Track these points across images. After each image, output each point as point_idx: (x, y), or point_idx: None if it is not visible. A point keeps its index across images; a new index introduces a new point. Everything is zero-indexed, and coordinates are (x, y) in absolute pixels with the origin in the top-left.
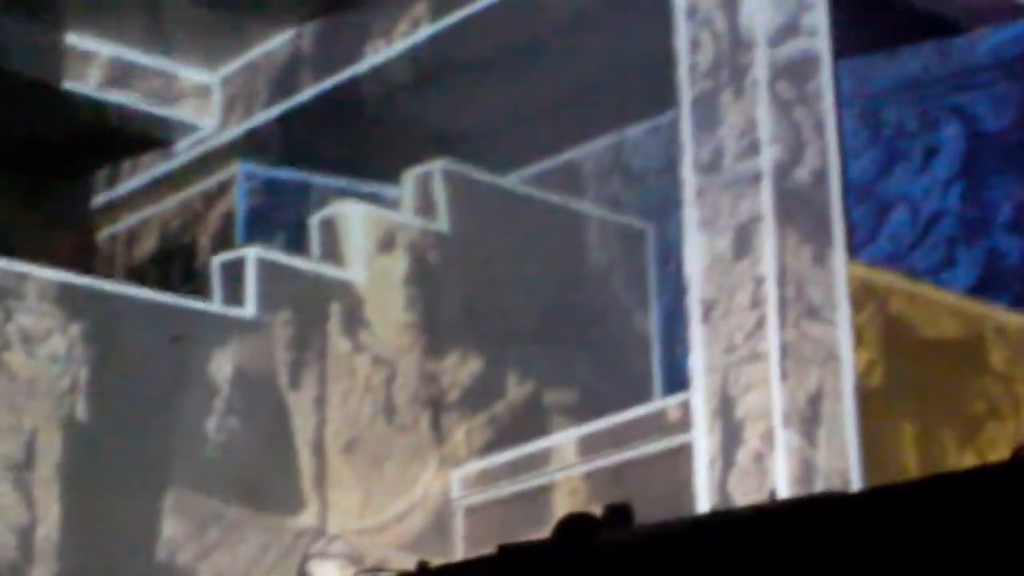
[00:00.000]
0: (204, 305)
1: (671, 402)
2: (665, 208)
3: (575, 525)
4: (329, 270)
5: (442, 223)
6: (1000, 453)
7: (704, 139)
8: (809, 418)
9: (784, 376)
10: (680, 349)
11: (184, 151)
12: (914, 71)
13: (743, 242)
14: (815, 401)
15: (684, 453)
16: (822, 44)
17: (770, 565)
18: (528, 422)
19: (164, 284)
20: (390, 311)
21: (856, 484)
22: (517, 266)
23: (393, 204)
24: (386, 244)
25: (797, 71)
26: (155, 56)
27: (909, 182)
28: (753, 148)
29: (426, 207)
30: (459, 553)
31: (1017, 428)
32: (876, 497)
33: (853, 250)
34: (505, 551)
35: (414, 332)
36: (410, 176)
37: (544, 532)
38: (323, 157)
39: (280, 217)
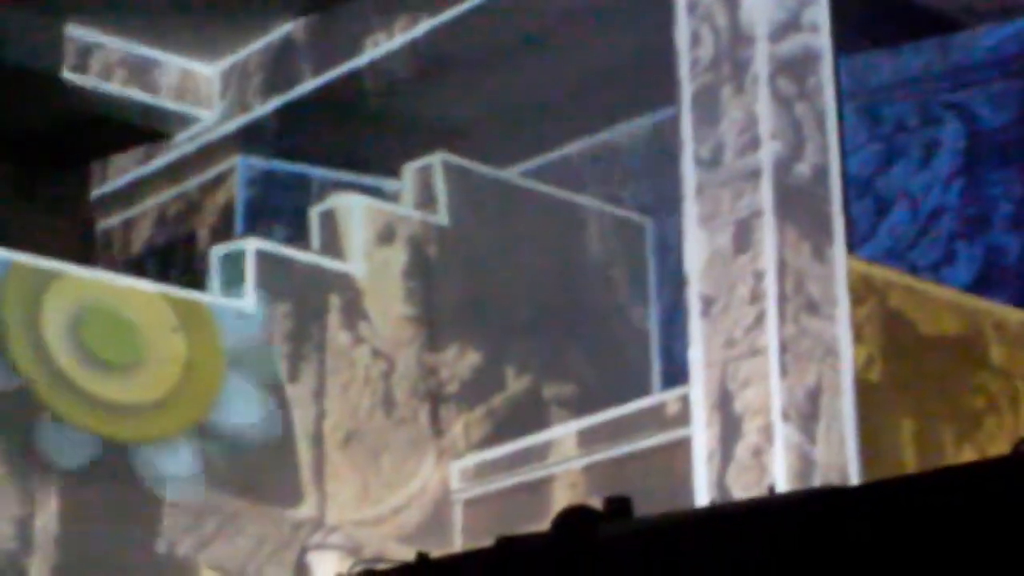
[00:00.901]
0: (203, 296)
1: (670, 396)
2: (664, 203)
3: (574, 518)
4: (328, 262)
5: (442, 216)
6: (999, 448)
7: (704, 134)
8: (808, 413)
9: (783, 371)
10: (679, 343)
11: (183, 142)
12: (915, 68)
13: (743, 237)
14: (814, 396)
15: (683, 447)
16: (823, 40)
17: (768, 559)
18: (527, 415)
19: (163, 276)
20: (389, 304)
21: (854, 479)
22: (516, 260)
23: (393, 197)
24: (386, 237)
25: (798, 67)
26: (155, 47)
27: (909, 178)
28: (753, 143)
29: (426, 200)
30: (458, 545)
31: (1016, 423)
32: (874, 492)
33: (853, 246)
34: (504, 543)
35: (413, 325)
36: (410, 169)
37: (543, 525)
38: (322, 150)
39: (279, 209)
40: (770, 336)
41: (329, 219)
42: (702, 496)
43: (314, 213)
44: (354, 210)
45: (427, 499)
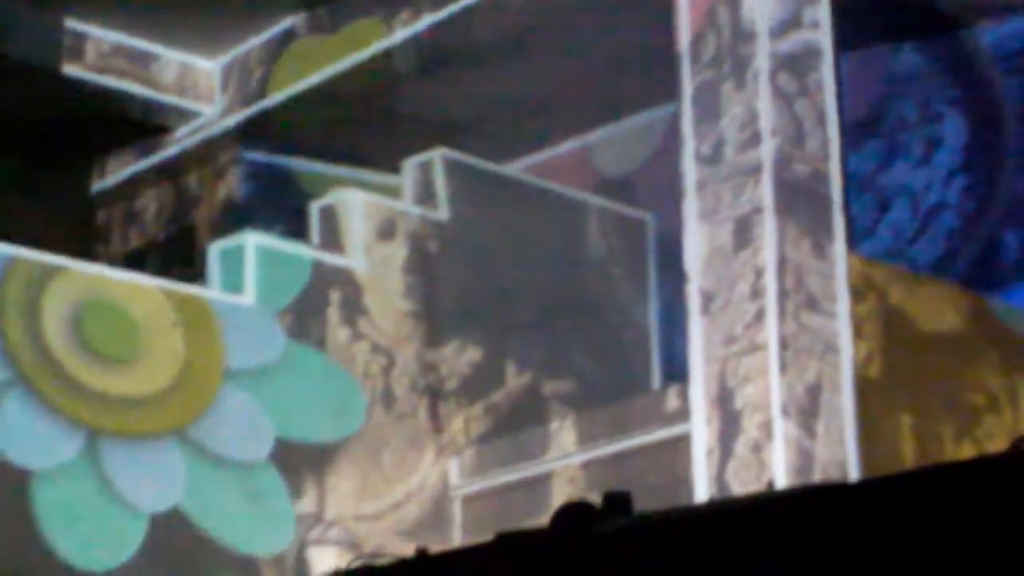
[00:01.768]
0: (202, 291)
1: (670, 392)
2: (665, 199)
3: (573, 513)
4: (329, 258)
5: (442, 212)
6: (998, 445)
7: (705, 130)
8: (808, 409)
9: (783, 367)
10: (679, 339)
11: (184, 137)
12: (916, 64)
13: (743, 233)
14: (814, 392)
15: (682, 443)
16: (824, 37)
17: (767, 554)
18: (527, 411)
19: (163, 270)
20: (389, 299)
21: (854, 475)
22: (517, 255)
23: (393, 192)
24: (386, 232)
25: (799, 63)
26: (155, 42)
27: (910, 175)
28: (754, 140)
29: (426, 195)
30: (457, 541)
31: (1015, 420)
32: (874, 488)
33: (853, 242)
34: (503, 538)
35: (413, 320)
36: (410, 164)
37: (542, 520)
38: (323, 145)
39: (279, 204)
40: (770, 332)
41: (329, 214)
42: (701, 492)
43: (314, 208)
44: (354, 205)
45: (426, 495)
